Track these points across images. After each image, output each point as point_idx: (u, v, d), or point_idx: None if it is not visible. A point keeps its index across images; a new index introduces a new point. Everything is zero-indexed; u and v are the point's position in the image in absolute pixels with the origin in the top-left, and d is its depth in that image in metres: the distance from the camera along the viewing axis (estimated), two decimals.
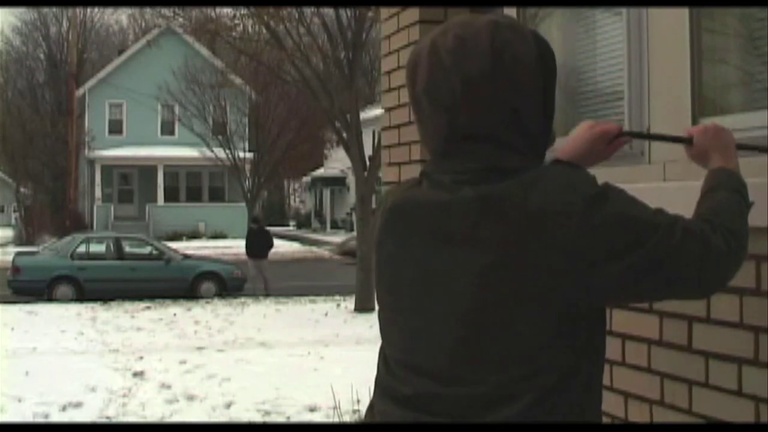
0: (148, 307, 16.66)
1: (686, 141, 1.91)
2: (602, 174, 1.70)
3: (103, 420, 7.93)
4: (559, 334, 1.55)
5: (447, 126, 1.62)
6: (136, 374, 10.13)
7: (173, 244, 25.43)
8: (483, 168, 1.59)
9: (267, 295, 18.83)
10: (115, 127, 41.52)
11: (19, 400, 8.59)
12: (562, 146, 1.93)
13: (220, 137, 34.89)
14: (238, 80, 31.01)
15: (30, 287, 17.88)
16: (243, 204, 36.35)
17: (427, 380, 1.61)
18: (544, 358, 1.55)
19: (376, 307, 1.80)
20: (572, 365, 1.57)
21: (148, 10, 41.33)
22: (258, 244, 19.66)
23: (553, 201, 1.52)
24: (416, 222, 1.65)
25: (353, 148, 16.59)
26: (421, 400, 1.61)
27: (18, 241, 36.47)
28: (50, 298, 17.57)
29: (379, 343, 1.79)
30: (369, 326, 13.54)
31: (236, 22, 18.82)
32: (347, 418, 7.38)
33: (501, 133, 1.60)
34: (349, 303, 16.57)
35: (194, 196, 42.02)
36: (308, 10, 17.44)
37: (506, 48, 1.60)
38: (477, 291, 1.56)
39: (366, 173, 16.50)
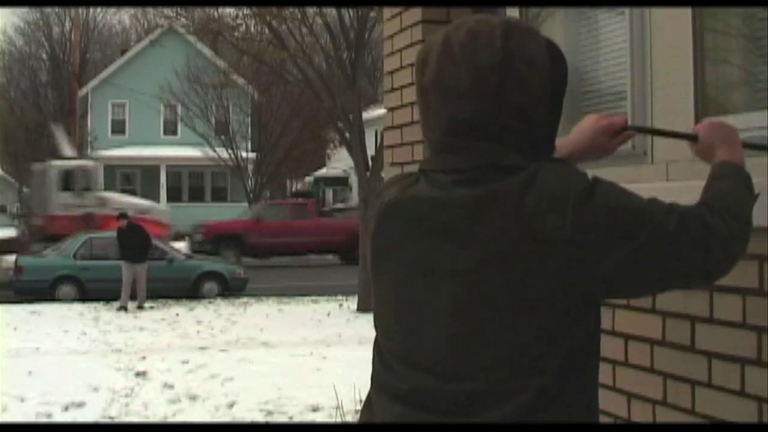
0: (151, 307, 16.67)
1: (691, 137, 1.91)
2: (606, 174, 1.70)
3: (106, 420, 7.93)
4: (557, 331, 1.55)
5: (451, 118, 1.62)
6: (138, 374, 10.13)
7: (176, 244, 25.41)
8: (481, 166, 1.59)
9: (140, 307, 16.54)
10: (118, 127, 41.54)
11: (22, 400, 8.60)
12: (567, 137, 1.93)
13: (222, 137, 34.88)
14: (240, 80, 31.00)
15: (33, 287, 17.87)
16: (246, 204, 36.35)
17: (424, 375, 1.60)
18: (541, 355, 1.55)
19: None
20: (571, 363, 1.57)
21: (150, 10, 41.34)
22: (130, 245, 16.60)
23: (547, 199, 1.53)
24: (413, 217, 1.65)
25: (356, 148, 16.58)
26: (418, 395, 1.60)
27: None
28: (53, 298, 17.56)
29: None
30: (371, 326, 13.40)
31: (239, 22, 18.83)
32: (350, 418, 7.37)
33: (504, 130, 1.60)
34: (352, 303, 16.58)
35: (197, 196, 42.00)
36: (311, 11, 17.43)
37: (518, 48, 1.61)
38: (473, 286, 1.56)
39: (368, 173, 16.50)
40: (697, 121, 2.45)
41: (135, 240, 16.60)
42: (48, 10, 50.32)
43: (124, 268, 16.51)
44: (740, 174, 1.77)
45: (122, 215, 17.21)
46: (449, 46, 1.63)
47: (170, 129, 41.09)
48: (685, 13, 2.49)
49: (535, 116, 1.62)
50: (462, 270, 1.57)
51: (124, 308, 16.24)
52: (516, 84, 1.59)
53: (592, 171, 1.66)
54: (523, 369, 1.54)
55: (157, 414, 8.15)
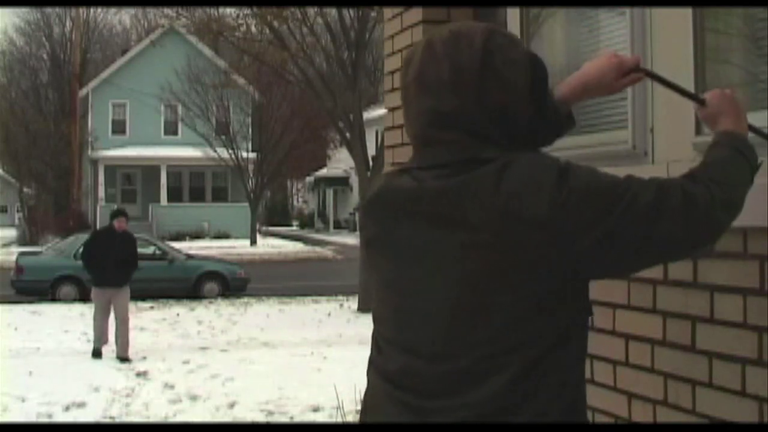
0: (152, 307, 16.66)
1: (700, 100, 1.92)
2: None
3: (107, 420, 7.93)
4: (541, 309, 1.59)
5: (431, 111, 1.68)
6: (139, 374, 10.13)
7: (176, 244, 25.41)
8: (463, 160, 1.64)
9: (123, 359, 10.87)
10: (119, 127, 41.54)
11: (23, 400, 8.60)
12: (577, 72, 1.95)
13: (223, 137, 34.92)
14: (241, 80, 31.01)
15: (33, 287, 17.87)
16: (246, 204, 36.37)
17: (412, 357, 1.66)
18: (526, 333, 1.59)
19: None
20: (556, 341, 1.61)
21: (151, 10, 41.34)
22: (115, 259, 10.90)
23: (524, 182, 1.57)
24: (397, 206, 1.71)
25: (356, 148, 16.59)
26: (404, 376, 1.67)
27: (21, 241, 36.49)
28: (53, 298, 17.55)
29: None
30: (372, 326, 13.53)
31: (239, 22, 18.82)
32: (350, 418, 7.36)
33: (484, 125, 1.65)
34: (352, 303, 16.58)
35: (197, 196, 42.03)
36: (311, 11, 17.44)
37: (498, 50, 1.67)
38: (457, 269, 1.61)
39: (369, 173, 16.50)
40: (697, 122, 2.46)
41: (123, 253, 11.07)
42: (49, 10, 50.41)
43: (97, 296, 11.09)
44: (737, 142, 1.78)
45: (121, 212, 11.64)
46: (432, 45, 1.70)
47: (171, 129, 41.08)
48: (686, 13, 2.49)
49: (514, 114, 1.67)
50: (447, 255, 1.62)
51: (98, 353, 11.06)
52: (496, 83, 1.65)
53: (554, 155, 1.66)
54: (507, 347, 1.58)
55: (157, 414, 8.15)
